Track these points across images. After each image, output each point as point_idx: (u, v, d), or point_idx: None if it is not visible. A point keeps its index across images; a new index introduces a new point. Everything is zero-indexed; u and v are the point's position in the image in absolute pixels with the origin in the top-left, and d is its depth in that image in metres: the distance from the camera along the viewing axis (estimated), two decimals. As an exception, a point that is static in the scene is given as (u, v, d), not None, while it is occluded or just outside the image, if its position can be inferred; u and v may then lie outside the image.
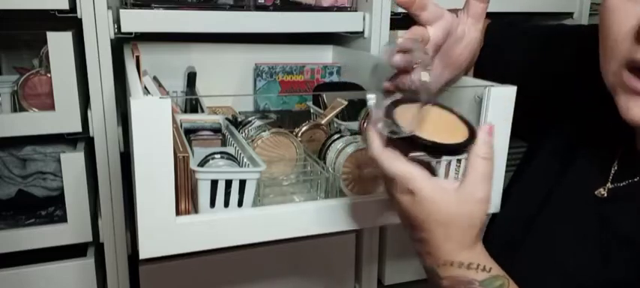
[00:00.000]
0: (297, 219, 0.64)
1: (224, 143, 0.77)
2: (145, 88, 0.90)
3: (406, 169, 0.52)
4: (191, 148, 0.66)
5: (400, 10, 1.09)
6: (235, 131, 0.76)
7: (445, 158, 0.61)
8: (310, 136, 0.80)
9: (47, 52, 0.89)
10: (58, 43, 0.89)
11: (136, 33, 0.94)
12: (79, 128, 0.94)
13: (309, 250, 1.13)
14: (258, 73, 1.14)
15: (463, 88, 0.72)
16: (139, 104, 0.52)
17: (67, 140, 1.00)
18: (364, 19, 1.09)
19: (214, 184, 0.60)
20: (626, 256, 0.57)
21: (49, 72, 0.91)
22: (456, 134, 0.54)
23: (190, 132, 0.76)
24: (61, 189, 0.98)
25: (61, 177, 0.96)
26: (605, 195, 0.62)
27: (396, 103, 0.54)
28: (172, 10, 0.95)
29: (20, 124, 0.92)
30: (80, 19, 0.90)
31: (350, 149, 0.70)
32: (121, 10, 0.91)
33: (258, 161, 0.63)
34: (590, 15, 1.27)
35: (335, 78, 1.18)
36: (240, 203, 0.62)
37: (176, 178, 0.57)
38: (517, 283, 0.54)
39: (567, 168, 0.67)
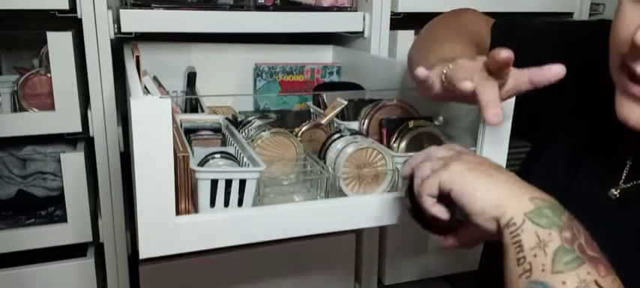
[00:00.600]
0: (297, 219, 0.64)
1: (224, 143, 0.77)
2: (145, 88, 0.90)
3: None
4: (191, 148, 0.66)
5: (400, 10, 1.09)
6: (235, 131, 0.76)
7: None
8: (310, 136, 0.80)
9: (47, 52, 0.89)
10: (58, 43, 0.89)
11: (136, 33, 0.94)
12: (79, 128, 0.94)
13: (309, 250, 1.13)
14: (258, 73, 1.14)
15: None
16: (138, 104, 0.52)
17: (67, 140, 1.00)
18: (364, 19, 1.09)
19: (214, 183, 0.59)
20: None
21: (49, 72, 0.91)
22: None
23: (190, 132, 0.76)
24: (61, 189, 0.98)
25: (61, 177, 0.96)
26: (618, 195, 0.62)
27: None
28: (172, 10, 0.95)
29: (20, 124, 0.92)
30: (80, 19, 0.90)
31: (350, 149, 0.69)
32: (121, 10, 0.91)
33: (258, 161, 0.63)
34: (590, 15, 1.27)
35: (335, 78, 1.18)
36: (240, 203, 0.62)
37: (176, 177, 0.57)
38: None
39: (577, 169, 0.67)
